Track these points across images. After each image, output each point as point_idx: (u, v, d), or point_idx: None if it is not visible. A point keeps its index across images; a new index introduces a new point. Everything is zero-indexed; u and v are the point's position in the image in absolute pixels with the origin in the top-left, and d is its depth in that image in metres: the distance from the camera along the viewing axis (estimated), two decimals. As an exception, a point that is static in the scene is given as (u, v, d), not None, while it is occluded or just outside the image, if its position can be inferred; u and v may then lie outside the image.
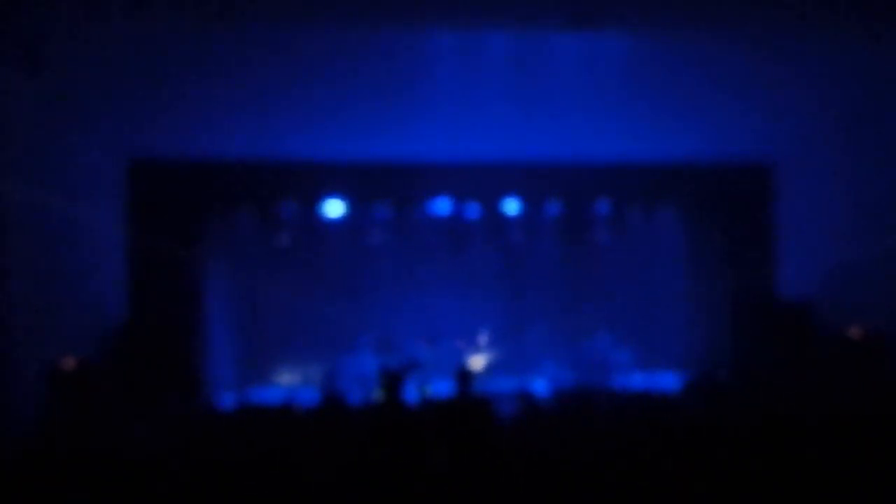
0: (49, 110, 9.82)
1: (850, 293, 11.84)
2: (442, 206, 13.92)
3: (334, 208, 13.59)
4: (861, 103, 10.82)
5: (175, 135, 11.79)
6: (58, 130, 10.28)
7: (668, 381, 12.39)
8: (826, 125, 11.65)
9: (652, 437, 6.42)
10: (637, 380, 12.70)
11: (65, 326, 10.40)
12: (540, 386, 12.27)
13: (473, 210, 14.06)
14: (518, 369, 13.32)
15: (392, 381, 7.93)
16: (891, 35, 8.82)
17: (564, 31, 9.01)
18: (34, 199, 9.50)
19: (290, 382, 13.45)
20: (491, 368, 13.23)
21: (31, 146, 9.44)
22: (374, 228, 14.02)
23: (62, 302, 10.31)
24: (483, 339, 13.66)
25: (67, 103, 10.05)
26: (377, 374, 10.21)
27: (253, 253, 13.71)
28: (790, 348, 11.94)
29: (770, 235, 13.77)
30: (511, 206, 13.95)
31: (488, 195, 13.88)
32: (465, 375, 7.98)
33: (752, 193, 13.77)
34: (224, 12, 8.21)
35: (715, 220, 13.86)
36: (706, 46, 9.33)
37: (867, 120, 11.14)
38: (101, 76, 9.48)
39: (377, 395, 9.46)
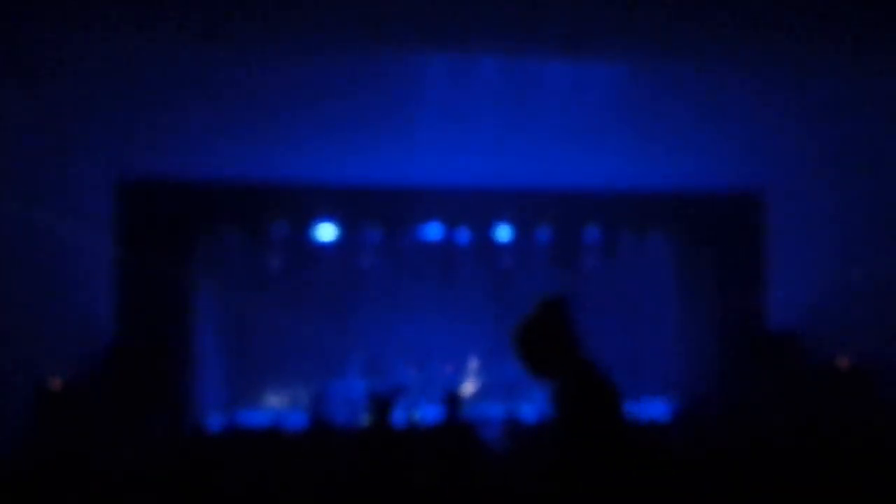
0: (39, 128, 9.81)
1: (838, 323, 11.86)
2: (433, 231, 13.93)
3: (326, 232, 13.57)
4: (851, 133, 10.87)
5: (166, 155, 11.77)
6: (48, 148, 10.25)
7: (656, 408, 12.39)
8: (816, 155, 11.70)
9: (638, 465, 6.42)
10: (626, 406, 12.68)
11: (52, 346, 10.35)
12: (528, 412, 12.26)
13: (464, 235, 14.06)
14: (506, 395, 13.29)
15: (381, 405, 7.93)
16: (880, 65, 8.90)
17: (556, 59, 9.06)
18: (22, 217, 9.48)
19: (278, 405, 13.40)
20: (479, 394, 13.22)
21: (20, 163, 9.43)
22: (365, 252, 14.01)
23: (50, 321, 10.26)
24: (472, 364, 13.65)
25: (59, 121, 10.04)
26: (366, 399, 10.19)
27: (242, 275, 13.68)
28: (778, 377, 11.95)
29: (759, 264, 13.80)
30: (502, 232, 13.95)
31: (479, 221, 13.89)
32: (453, 400, 7.98)
33: (742, 222, 13.82)
34: (217, 34, 8.24)
35: (704, 249, 13.89)
36: (696, 75, 9.38)
37: (857, 150, 11.20)
38: (94, 94, 9.47)
39: (365, 419, 9.43)
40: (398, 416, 11.08)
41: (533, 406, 12.95)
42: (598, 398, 3.92)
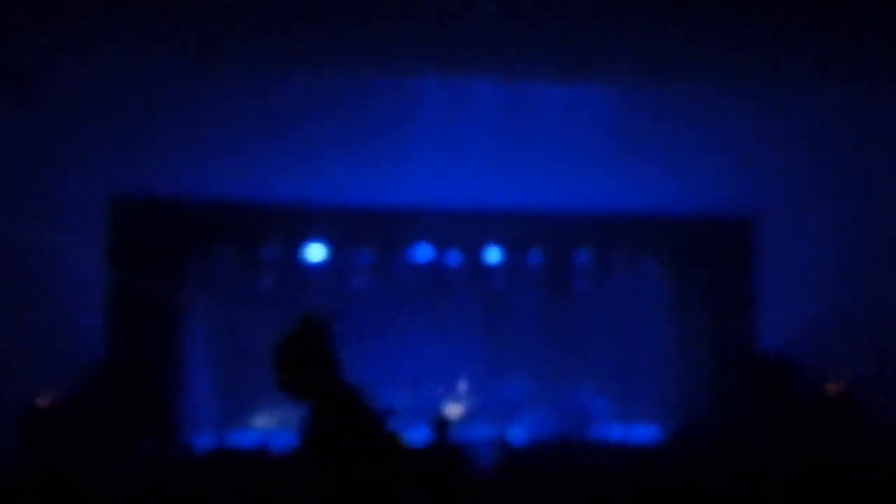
0: (32, 144, 9.80)
1: (829, 348, 11.88)
2: (424, 252, 13.90)
3: (316, 252, 13.54)
4: (844, 159, 10.92)
5: (158, 173, 11.76)
6: (40, 164, 10.23)
7: (647, 432, 12.37)
8: (808, 180, 11.74)
9: (630, 489, 6.41)
10: (616, 431, 12.67)
11: (42, 363, 10.30)
12: (518, 435, 12.23)
13: (455, 257, 14.04)
14: (496, 417, 13.25)
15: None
16: (874, 91, 8.95)
17: (551, 82, 9.10)
18: (13, 233, 9.46)
19: (267, 425, 13.33)
20: (469, 416, 13.18)
21: (11, 179, 9.41)
22: (356, 273, 13.99)
23: (39, 338, 10.22)
24: (462, 386, 13.63)
25: (52, 138, 10.03)
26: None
27: (233, 294, 13.65)
28: (769, 402, 11.95)
29: (751, 289, 13.80)
30: (493, 255, 13.92)
31: (470, 243, 13.88)
32: (442, 423, 7.96)
33: (734, 247, 13.83)
34: (210, 54, 8.26)
35: (696, 273, 13.88)
36: (690, 100, 9.43)
37: (850, 176, 11.24)
38: (87, 112, 9.48)
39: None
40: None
41: (522, 428, 12.93)
42: (352, 424, 3.73)
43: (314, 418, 3.79)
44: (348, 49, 8.31)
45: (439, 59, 8.74)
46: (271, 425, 13.28)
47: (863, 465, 6.89)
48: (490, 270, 14.19)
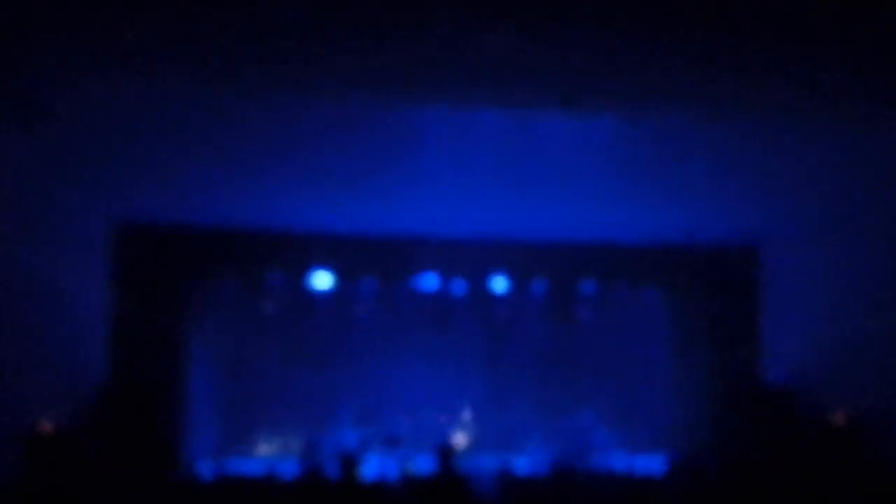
0: (36, 171, 9.83)
1: (834, 378, 11.85)
2: (429, 281, 13.90)
3: (322, 280, 13.53)
4: (848, 187, 10.93)
5: (163, 200, 11.80)
6: (43, 191, 10.27)
7: (650, 462, 12.32)
8: (812, 209, 11.74)
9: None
10: (619, 460, 12.62)
11: (43, 389, 10.30)
12: (522, 464, 12.18)
13: (460, 286, 14.04)
14: (500, 447, 13.21)
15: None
16: (879, 119, 8.97)
17: (556, 112, 9.14)
18: (17, 259, 9.49)
19: (270, 453, 13.30)
20: (473, 445, 13.15)
21: (15, 205, 9.45)
22: (361, 301, 14.00)
23: (41, 364, 10.22)
24: (466, 415, 13.60)
25: (55, 164, 10.07)
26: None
27: (237, 321, 13.67)
28: (773, 432, 11.92)
29: (754, 318, 13.77)
30: (498, 284, 13.91)
31: (475, 272, 13.88)
32: (446, 452, 7.95)
33: (738, 276, 13.80)
34: (217, 83, 8.32)
35: (699, 303, 13.87)
36: (692, 130, 9.46)
37: (854, 204, 11.25)
38: (91, 140, 9.52)
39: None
40: (392, 468, 11.05)
41: (526, 457, 12.88)
42: None
43: None
44: (352, 79, 8.36)
45: (444, 90, 8.79)
46: (273, 452, 13.26)
47: (867, 494, 6.87)
48: (495, 300, 14.20)
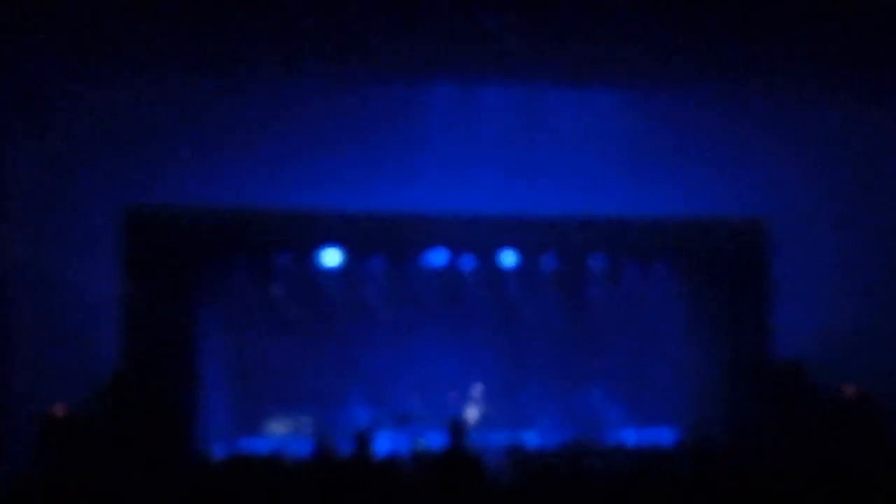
0: (44, 158, 9.84)
1: (844, 352, 11.82)
2: (438, 257, 13.84)
3: (331, 257, 13.43)
4: (857, 162, 10.89)
5: (171, 184, 11.78)
6: (53, 178, 10.28)
7: (662, 436, 12.34)
8: (821, 183, 11.70)
9: (644, 494, 6.40)
10: (630, 435, 12.64)
11: (56, 373, 10.35)
12: (533, 440, 12.21)
13: (469, 262, 13.99)
14: (511, 423, 13.22)
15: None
16: (883, 98, 8.93)
17: (565, 87, 9.11)
18: (28, 245, 9.50)
19: (282, 432, 13.34)
20: (484, 421, 13.17)
21: (25, 195, 9.46)
22: (370, 279, 13.97)
23: (54, 348, 10.27)
24: (477, 391, 13.62)
25: (63, 151, 10.08)
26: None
27: (247, 302, 13.67)
28: (784, 406, 11.90)
29: (765, 293, 13.71)
30: (508, 260, 13.83)
31: (485, 247, 13.80)
32: (458, 428, 7.97)
33: (748, 251, 13.71)
34: (222, 66, 8.32)
35: (709, 277, 13.80)
36: (701, 105, 9.43)
37: (862, 178, 11.20)
38: (100, 125, 9.53)
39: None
40: (404, 444, 11.08)
41: (537, 433, 12.91)
42: None
43: None
44: (360, 58, 8.35)
45: (452, 67, 8.77)
46: (286, 432, 13.30)
47: (879, 468, 6.87)
48: (504, 275, 14.16)
